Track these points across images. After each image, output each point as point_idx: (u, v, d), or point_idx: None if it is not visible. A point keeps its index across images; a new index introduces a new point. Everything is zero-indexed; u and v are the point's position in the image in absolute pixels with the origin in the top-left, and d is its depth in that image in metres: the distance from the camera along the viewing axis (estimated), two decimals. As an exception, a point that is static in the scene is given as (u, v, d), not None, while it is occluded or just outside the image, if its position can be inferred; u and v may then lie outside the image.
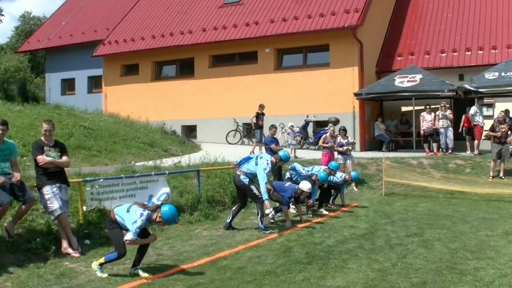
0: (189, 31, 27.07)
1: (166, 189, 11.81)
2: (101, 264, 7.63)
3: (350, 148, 16.65)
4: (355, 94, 22.41)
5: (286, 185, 11.74)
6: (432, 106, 20.88)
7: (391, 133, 23.51)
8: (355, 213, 12.94)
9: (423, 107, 21.41)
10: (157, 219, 7.46)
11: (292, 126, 20.67)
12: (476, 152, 19.46)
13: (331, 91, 23.20)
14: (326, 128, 17.74)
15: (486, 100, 22.26)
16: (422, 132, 20.71)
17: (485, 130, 19.31)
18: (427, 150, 20.30)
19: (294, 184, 11.79)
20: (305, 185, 11.51)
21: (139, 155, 16.73)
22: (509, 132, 17.00)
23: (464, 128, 20.40)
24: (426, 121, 20.42)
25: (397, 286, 6.94)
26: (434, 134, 20.37)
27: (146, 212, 7.45)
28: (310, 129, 23.52)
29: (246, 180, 10.72)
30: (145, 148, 18.04)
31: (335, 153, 16.58)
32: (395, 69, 24.13)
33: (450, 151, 19.94)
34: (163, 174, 12.12)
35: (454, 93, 20.80)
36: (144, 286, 7.17)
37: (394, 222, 11.54)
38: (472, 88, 19.80)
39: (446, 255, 8.55)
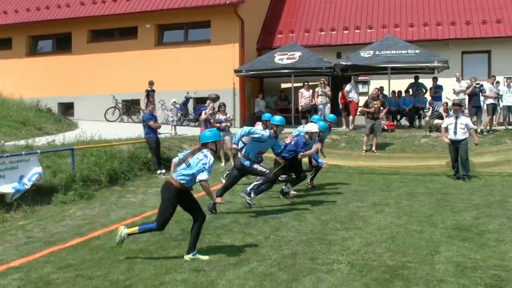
0: (66, 5, 25.76)
1: (38, 169, 11.30)
2: (130, 234, 7.33)
3: (228, 124, 16.62)
4: (235, 71, 22.43)
5: (292, 142, 11.05)
6: (310, 83, 21.35)
7: (271, 109, 23.76)
8: (234, 188, 12.88)
9: (301, 84, 21.83)
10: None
11: (174, 102, 20.35)
12: (351, 127, 20.17)
13: (212, 68, 23.05)
14: (206, 105, 17.58)
15: (361, 78, 23.09)
16: (300, 108, 21.14)
17: (359, 106, 20.04)
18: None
19: (298, 136, 11.41)
20: (311, 127, 11.28)
21: (11, 134, 15.87)
22: (381, 108, 17.71)
23: (340, 104, 21.06)
24: (304, 97, 20.88)
25: (268, 258, 6.99)
26: (311, 110, 20.86)
27: (205, 150, 7.26)
28: (190, 105, 23.31)
29: (247, 163, 10.12)
30: (17, 126, 17.16)
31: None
32: (276, 46, 24.36)
33: (327, 127, 20.49)
34: (34, 153, 11.62)
35: (332, 71, 21.39)
36: (11, 271, 6.73)
37: (270, 198, 11.64)
38: (348, 65, 20.49)
39: (317, 226, 8.75)
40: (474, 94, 18.78)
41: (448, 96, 20.05)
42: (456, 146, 13.86)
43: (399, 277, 6.15)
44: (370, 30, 24.97)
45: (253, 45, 25.14)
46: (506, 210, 9.83)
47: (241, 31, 23.37)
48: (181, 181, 7.14)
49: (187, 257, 7.11)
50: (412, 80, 21.41)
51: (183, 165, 7.20)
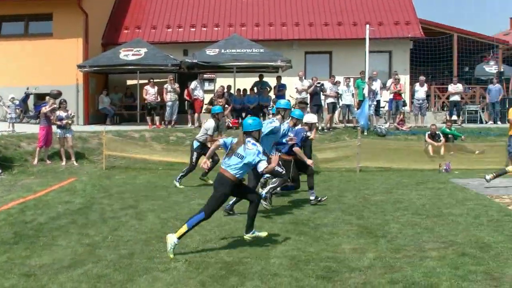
0: None
1: None
2: (180, 237, 7.12)
3: (70, 122, 16.14)
4: (79, 66, 21.74)
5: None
6: (155, 80, 21.30)
7: (116, 106, 23.43)
8: (73, 188, 12.60)
9: (147, 81, 21.72)
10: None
11: (13, 98, 19.31)
12: (196, 124, 20.42)
13: (54, 63, 22.18)
14: (46, 101, 16.92)
15: (207, 75, 23.44)
16: (145, 105, 21.03)
17: (205, 104, 20.35)
18: (149, 123, 20.69)
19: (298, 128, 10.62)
20: (310, 118, 11.32)
21: None
22: (226, 106, 18.12)
23: (186, 102, 21.24)
24: (150, 94, 20.79)
25: (105, 259, 6.92)
26: (157, 108, 20.84)
27: (251, 138, 7.33)
28: (31, 102, 22.26)
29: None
30: None
31: (54, 127, 15.97)
32: (121, 42, 24.01)
33: (173, 124, 20.60)
34: None
35: (178, 68, 21.47)
36: None
37: (111, 196, 11.52)
38: (194, 62, 20.69)
39: (157, 225, 8.80)
40: (316, 93, 19.88)
41: (291, 94, 20.99)
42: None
43: (235, 273, 6.29)
44: (216, 29, 25.46)
45: (98, 40, 24.58)
46: (341, 204, 10.47)
47: (85, 25, 22.75)
48: (236, 175, 7.28)
49: (247, 236, 7.49)
50: (257, 79, 22.08)
51: (235, 158, 7.27)
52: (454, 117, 21.98)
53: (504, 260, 6.53)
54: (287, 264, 6.60)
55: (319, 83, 20.05)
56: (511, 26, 45.85)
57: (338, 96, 20.68)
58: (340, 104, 21.05)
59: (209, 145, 11.74)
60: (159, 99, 20.95)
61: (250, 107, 21.18)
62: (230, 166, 7.28)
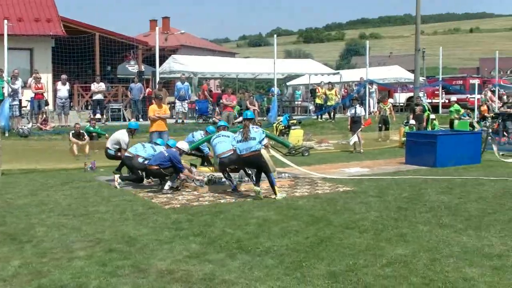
0: None
1: None
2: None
3: None
4: None
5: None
6: None
7: None
8: None
9: None
10: None
11: None
12: None
13: None
14: None
15: None
16: None
17: None
18: None
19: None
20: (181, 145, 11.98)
21: None
22: None
23: None
24: None
25: None
26: None
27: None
28: None
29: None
30: None
31: None
32: None
33: None
34: None
35: None
36: None
37: None
38: None
39: None
40: None
41: None
42: None
43: None
44: None
45: None
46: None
47: None
48: (260, 149, 10.47)
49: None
50: None
51: (252, 141, 10.31)
52: (98, 116, 22.32)
53: (150, 252, 6.85)
54: None
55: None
56: (151, 28, 48.66)
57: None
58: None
59: None
60: None
61: None
62: (252, 146, 10.29)
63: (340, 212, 9.13)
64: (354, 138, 18.86)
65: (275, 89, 26.34)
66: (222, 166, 11.45)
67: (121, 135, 13.48)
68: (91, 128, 18.07)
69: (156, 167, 11.30)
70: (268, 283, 5.65)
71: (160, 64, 24.62)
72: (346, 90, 30.96)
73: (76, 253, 6.81)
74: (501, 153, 16.67)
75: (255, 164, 10.55)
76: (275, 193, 10.34)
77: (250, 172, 11.10)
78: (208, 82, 31.33)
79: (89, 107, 25.34)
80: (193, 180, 11.65)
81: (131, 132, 13.72)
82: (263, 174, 10.54)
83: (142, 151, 12.18)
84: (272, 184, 10.46)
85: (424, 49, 36.89)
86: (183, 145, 12.17)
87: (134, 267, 6.25)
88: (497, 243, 7.08)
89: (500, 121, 21.85)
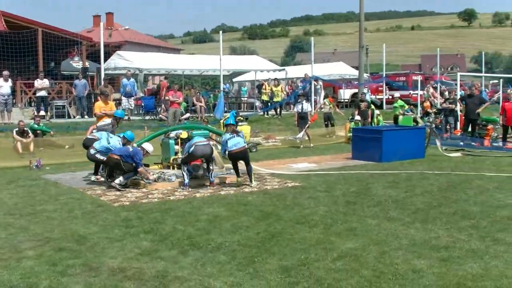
0: None
1: None
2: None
3: None
4: None
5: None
6: None
7: None
8: None
9: None
10: None
11: None
12: None
13: None
14: None
15: None
16: None
17: None
18: None
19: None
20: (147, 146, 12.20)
21: None
22: None
23: None
24: None
25: None
26: None
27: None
28: None
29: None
30: None
31: None
32: None
33: None
34: None
35: None
36: None
37: None
38: None
39: None
40: None
41: None
42: None
43: None
44: None
45: None
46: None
47: None
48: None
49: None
50: None
51: (241, 138, 11.70)
52: (42, 113, 21.83)
53: (101, 250, 6.80)
54: None
55: None
56: (94, 24, 47.81)
57: None
58: None
59: None
60: None
61: None
62: (240, 142, 11.53)
63: (289, 207, 9.27)
64: (302, 134, 19.12)
65: (227, 85, 26.37)
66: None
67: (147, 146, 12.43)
68: (36, 126, 17.67)
69: (117, 157, 11.21)
70: (221, 279, 5.71)
71: (105, 60, 24.26)
72: (290, 87, 31.22)
73: (25, 253, 6.70)
74: (444, 148, 17.20)
75: (243, 158, 11.77)
76: (251, 181, 11.63)
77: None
78: (154, 78, 31.09)
79: (33, 104, 24.72)
80: (142, 178, 11.56)
81: (117, 120, 13.60)
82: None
83: (98, 142, 11.97)
84: (250, 173, 11.73)
85: (367, 46, 37.69)
86: (148, 146, 12.22)
87: (85, 265, 6.20)
88: (443, 235, 7.35)
89: (442, 116, 22.53)
